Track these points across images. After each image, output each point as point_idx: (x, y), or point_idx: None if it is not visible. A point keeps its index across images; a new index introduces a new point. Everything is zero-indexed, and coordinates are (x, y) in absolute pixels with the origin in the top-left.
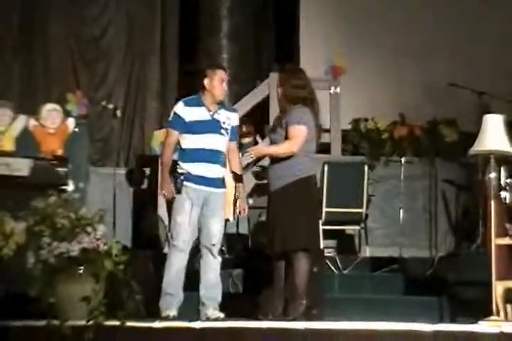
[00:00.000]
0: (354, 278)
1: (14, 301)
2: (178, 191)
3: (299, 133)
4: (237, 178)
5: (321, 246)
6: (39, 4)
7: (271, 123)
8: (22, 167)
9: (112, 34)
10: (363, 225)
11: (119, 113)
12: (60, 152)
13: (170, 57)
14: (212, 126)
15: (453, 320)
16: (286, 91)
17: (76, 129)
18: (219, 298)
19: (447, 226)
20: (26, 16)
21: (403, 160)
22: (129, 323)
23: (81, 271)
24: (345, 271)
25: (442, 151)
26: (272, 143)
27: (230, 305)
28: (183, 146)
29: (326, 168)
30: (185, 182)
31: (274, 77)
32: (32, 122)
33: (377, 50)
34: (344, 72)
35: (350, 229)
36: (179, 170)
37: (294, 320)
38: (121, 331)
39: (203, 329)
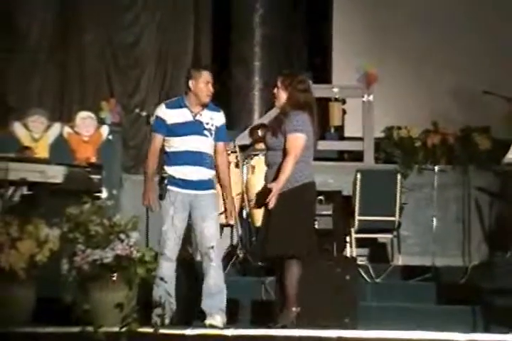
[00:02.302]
0: (386, 286)
1: (48, 308)
2: (161, 197)
3: (298, 142)
4: (224, 182)
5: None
6: (73, 12)
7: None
8: (56, 174)
9: (146, 41)
10: (395, 233)
11: (152, 120)
12: (94, 159)
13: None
14: (195, 128)
15: (486, 330)
16: (291, 95)
17: (110, 137)
18: (222, 306)
19: (481, 234)
20: (61, 24)
21: (436, 168)
22: (162, 330)
23: (114, 278)
24: (377, 280)
25: (476, 159)
26: (270, 149)
27: (263, 313)
28: (167, 150)
29: (358, 176)
30: (168, 187)
31: None
32: (66, 130)
33: (409, 57)
34: (377, 80)
35: (382, 237)
36: (163, 175)
37: (283, 327)
38: (154, 338)
39: (235, 337)
